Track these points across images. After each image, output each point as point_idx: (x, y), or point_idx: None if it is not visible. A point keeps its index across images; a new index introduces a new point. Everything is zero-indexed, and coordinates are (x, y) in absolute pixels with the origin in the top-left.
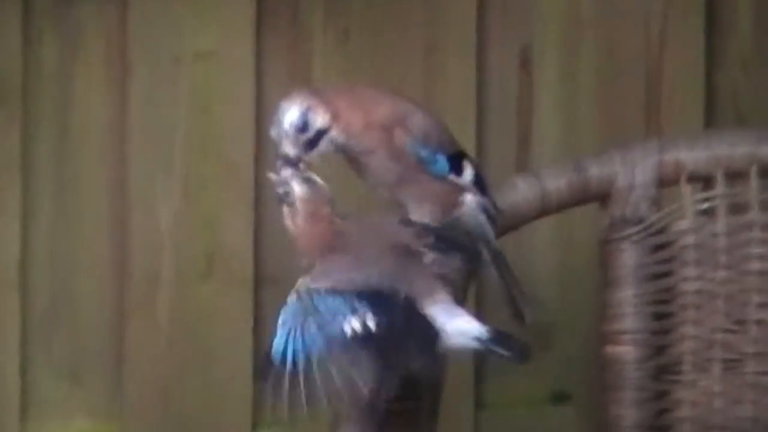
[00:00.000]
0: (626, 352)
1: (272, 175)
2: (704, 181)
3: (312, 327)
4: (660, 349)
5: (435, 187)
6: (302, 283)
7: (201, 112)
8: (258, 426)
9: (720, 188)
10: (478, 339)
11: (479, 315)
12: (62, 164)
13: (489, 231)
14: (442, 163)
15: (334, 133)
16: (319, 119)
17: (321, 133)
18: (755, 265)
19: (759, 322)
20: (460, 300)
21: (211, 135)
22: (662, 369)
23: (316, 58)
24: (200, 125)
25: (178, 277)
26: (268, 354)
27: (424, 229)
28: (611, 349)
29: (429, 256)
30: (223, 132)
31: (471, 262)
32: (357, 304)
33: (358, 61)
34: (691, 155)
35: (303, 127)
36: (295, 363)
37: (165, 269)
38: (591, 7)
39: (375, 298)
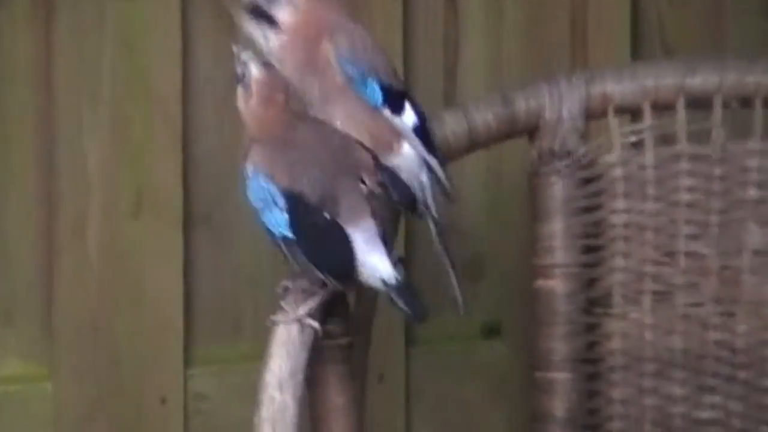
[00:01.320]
0: (556, 285)
1: (234, 47)
2: (632, 113)
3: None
4: (590, 282)
5: (365, 115)
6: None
7: (127, 47)
8: (189, 363)
9: (647, 120)
10: (384, 282)
11: (401, 259)
12: None
13: (431, 196)
14: (373, 89)
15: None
16: (286, 13)
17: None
18: (684, 197)
19: (688, 254)
20: (387, 235)
21: (137, 70)
22: (592, 302)
23: None
24: (126, 60)
25: (107, 214)
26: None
27: (376, 161)
28: (541, 283)
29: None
30: (150, 67)
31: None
32: (279, 201)
33: None
34: (618, 87)
35: None
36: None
37: (93, 206)
38: None
39: (299, 202)
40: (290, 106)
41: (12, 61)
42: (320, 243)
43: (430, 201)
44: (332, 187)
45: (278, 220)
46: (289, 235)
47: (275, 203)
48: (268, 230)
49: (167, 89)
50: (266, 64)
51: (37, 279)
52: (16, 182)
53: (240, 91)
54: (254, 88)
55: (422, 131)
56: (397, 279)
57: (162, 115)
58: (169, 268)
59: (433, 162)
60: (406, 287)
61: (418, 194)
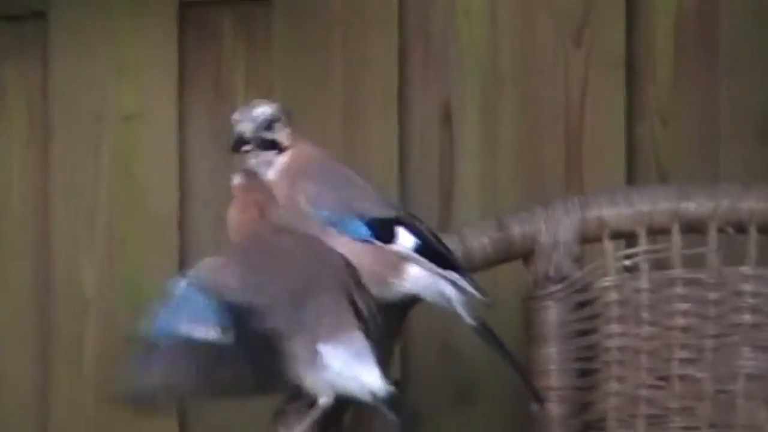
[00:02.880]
0: (551, 408)
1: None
2: (627, 237)
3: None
4: (585, 406)
5: (357, 250)
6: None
7: (124, 172)
8: None
9: (642, 245)
10: (374, 394)
11: (396, 382)
12: None
13: (460, 306)
14: (355, 225)
15: (281, 159)
16: (281, 119)
17: (275, 146)
18: (678, 321)
19: (683, 378)
20: (377, 350)
21: (134, 195)
22: (587, 425)
23: None
24: (123, 185)
25: (104, 339)
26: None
27: (357, 284)
28: (536, 407)
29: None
30: (147, 192)
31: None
32: (211, 314)
33: None
34: (613, 212)
35: (267, 116)
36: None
37: (90, 330)
38: (511, 63)
39: (237, 313)
40: (267, 215)
41: (9, 183)
42: (253, 352)
43: (460, 311)
44: (309, 298)
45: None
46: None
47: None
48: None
49: (164, 212)
50: (249, 173)
51: (32, 401)
52: (11, 303)
53: (233, 203)
54: (235, 194)
55: (427, 248)
56: (387, 391)
57: (159, 238)
58: None
59: (451, 274)
60: (395, 399)
61: (448, 308)
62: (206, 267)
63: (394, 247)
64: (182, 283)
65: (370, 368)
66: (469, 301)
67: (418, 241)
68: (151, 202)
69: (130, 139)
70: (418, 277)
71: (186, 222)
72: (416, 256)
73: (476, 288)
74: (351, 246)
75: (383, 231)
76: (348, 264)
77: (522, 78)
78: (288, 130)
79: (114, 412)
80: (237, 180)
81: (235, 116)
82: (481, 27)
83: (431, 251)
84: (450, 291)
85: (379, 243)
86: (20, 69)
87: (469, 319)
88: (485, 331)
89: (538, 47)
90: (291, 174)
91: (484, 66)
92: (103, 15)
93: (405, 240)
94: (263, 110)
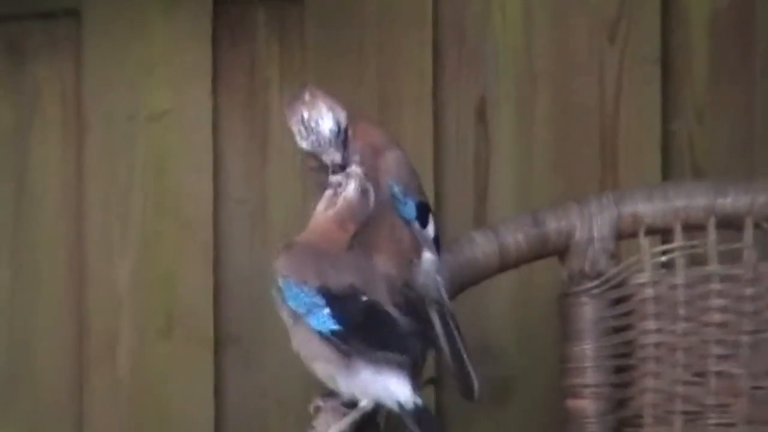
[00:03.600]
0: (587, 405)
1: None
2: (662, 233)
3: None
4: (621, 403)
5: (400, 234)
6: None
7: (158, 170)
8: None
9: (678, 240)
10: (400, 405)
11: (432, 379)
12: (20, 224)
13: (444, 294)
14: (411, 207)
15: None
16: (342, 116)
17: (347, 131)
18: (715, 317)
19: (719, 374)
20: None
21: (168, 193)
22: (623, 422)
23: (273, 114)
24: (157, 183)
25: (137, 336)
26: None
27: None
28: (572, 403)
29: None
30: (181, 190)
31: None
32: (317, 299)
33: None
34: (649, 208)
35: (338, 130)
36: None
37: (124, 328)
38: (545, 59)
39: (334, 295)
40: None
41: (44, 181)
42: (365, 323)
43: (444, 296)
44: (366, 286)
45: (323, 318)
46: (336, 327)
47: (315, 303)
48: (319, 332)
49: (198, 210)
50: (364, 190)
51: (67, 399)
52: (46, 302)
53: (327, 195)
54: (340, 203)
55: (437, 240)
56: (414, 403)
57: (192, 236)
58: (199, 390)
59: (442, 266)
60: (422, 412)
61: (433, 292)
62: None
63: (424, 232)
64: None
65: (400, 377)
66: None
67: (435, 231)
68: (184, 200)
69: (163, 137)
70: (428, 261)
71: (219, 220)
72: (432, 243)
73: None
74: (397, 226)
75: (423, 216)
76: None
77: (557, 75)
78: (340, 105)
79: (147, 410)
80: (350, 192)
81: (308, 145)
82: (516, 24)
83: (438, 242)
84: (440, 278)
85: (417, 226)
86: (53, 67)
87: (444, 302)
88: (454, 320)
89: (573, 44)
90: (372, 149)
91: (519, 63)
92: (136, 12)
93: (431, 227)
94: (327, 124)
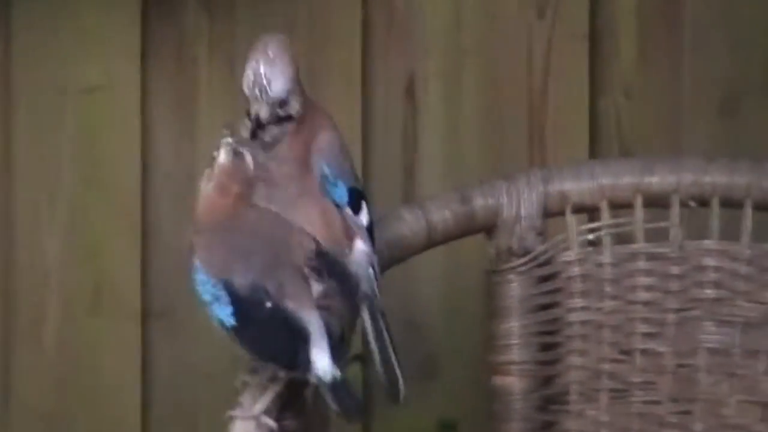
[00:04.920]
0: (513, 382)
1: (225, 130)
2: (589, 211)
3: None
4: (547, 380)
5: (331, 218)
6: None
7: (87, 144)
8: None
9: (605, 219)
10: (318, 377)
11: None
12: None
13: (375, 288)
14: (342, 190)
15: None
16: (296, 108)
17: (288, 120)
18: (641, 295)
19: (645, 352)
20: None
21: (97, 166)
22: (549, 399)
23: (202, 89)
24: (86, 156)
25: (65, 310)
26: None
27: (319, 254)
28: (498, 380)
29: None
30: (110, 163)
31: (351, 310)
32: (221, 292)
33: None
34: (576, 186)
35: (282, 104)
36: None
37: (51, 302)
38: (473, 35)
39: (238, 291)
40: (243, 198)
41: None
42: (263, 331)
43: (376, 291)
44: (274, 275)
45: (226, 312)
46: (233, 323)
47: (219, 296)
48: (220, 322)
49: (126, 184)
50: (236, 153)
51: None
52: None
53: (206, 172)
54: (215, 173)
55: (370, 230)
56: (333, 376)
57: (121, 211)
58: (126, 363)
59: (375, 258)
60: (340, 386)
61: (365, 285)
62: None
63: (356, 219)
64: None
65: (319, 349)
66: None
67: (369, 220)
68: (113, 173)
69: (92, 111)
70: (359, 251)
71: (148, 193)
72: (365, 232)
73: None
74: (329, 209)
75: (356, 201)
76: (308, 240)
77: (485, 50)
78: (301, 99)
79: (75, 384)
80: (222, 158)
81: (251, 89)
82: (445, 0)
83: (371, 232)
84: (372, 271)
85: (349, 212)
86: None
87: (373, 295)
88: (383, 317)
89: (501, 20)
90: (309, 129)
91: (448, 38)
92: None
93: (363, 215)
94: (279, 89)
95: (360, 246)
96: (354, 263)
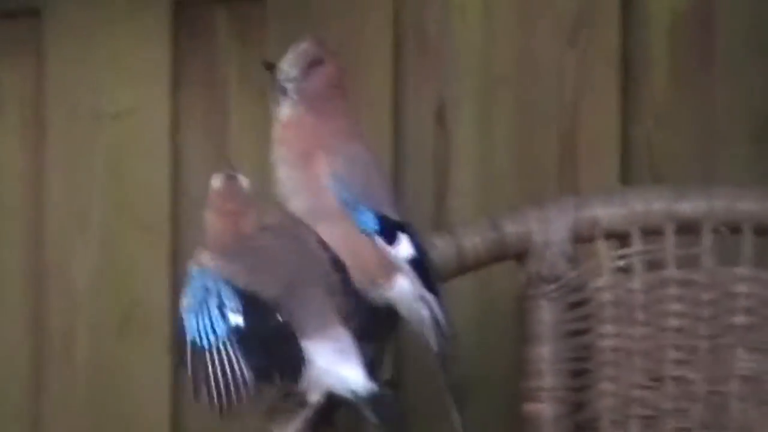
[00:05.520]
0: (544, 409)
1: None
2: (620, 237)
3: (213, 307)
4: (578, 406)
5: (356, 240)
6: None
7: (117, 169)
8: None
9: (636, 245)
10: (354, 393)
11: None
12: None
13: (432, 332)
14: (367, 216)
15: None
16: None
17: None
18: (672, 322)
19: (676, 379)
20: (364, 342)
21: (127, 193)
22: (580, 426)
23: (233, 116)
24: (117, 183)
25: (95, 335)
26: (183, 339)
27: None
28: (529, 407)
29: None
30: (140, 190)
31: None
32: (229, 299)
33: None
34: (607, 212)
35: (306, 67)
36: (208, 342)
37: (82, 326)
38: (506, 62)
39: (250, 302)
40: (242, 216)
41: (4, 180)
42: (269, 343)
43: (430, 337)
44: (295, 300)
45: (214, 322)
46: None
47: (222, 304)
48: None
49: (157, 211)
50: (230, 176)
51: (24, 399)
52: (4, 301)
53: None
54: (211, 198)
55: (421, 265)
56: (369, 390)
57: (151, 235)
58: (156, 387)
59: (431, 298)
60: (379, 398)
61: (418, 328)
62: (208, 260)
63: (393, 250)
64: (195, 272)
65: (352, 365)
66: (438, 328)
67: (416, 255)
68: (143, 199)
69: (124, 136)
70: (404, 291)
71: (178, 218)
72: (409, 268)
73: (446, 320)
74: (354, 235)
75: (388, 231)
76: (334, 260)
77: (517, 77)
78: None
79: (105, 408)
80: (216, 183)
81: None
82: (477, 25)
83: (422, 269)
84: (425, 314)
85: (380, 241)
86: (15, 67)
87: (434, 345)
88: (444, 362)
89: (533, 47)
90: (311, 142)
91: (480, 65)
92: (97, 11)
93: (404, 248)
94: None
95: (404, 284)
96: (398, 301)
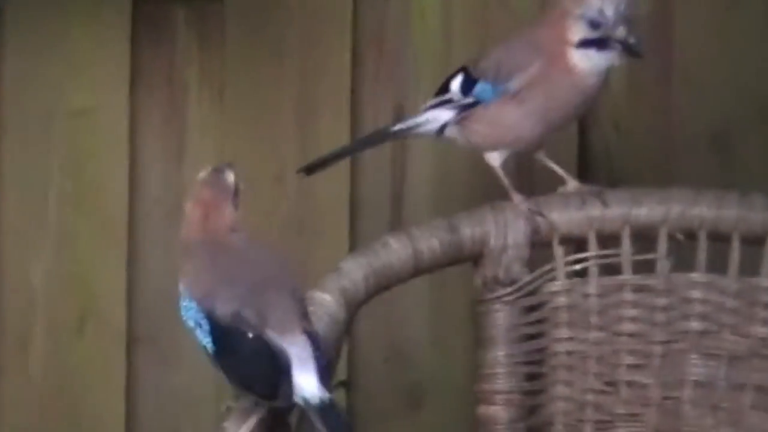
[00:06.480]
0: (498, 412)
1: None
2: (577, 242)
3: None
4: (532, 410)
5: None
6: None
7: (75, 169)
8: None
9: (592, 249)
10: (306, 400)
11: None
12: None
13: None
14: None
15: None
16: None
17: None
18: (627, 327)
19: (630, 384)
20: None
21: (84, 192)
22: (534, 429)
23: (191, 116)
24: (74, 182)
25: (51, 334)
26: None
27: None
28: (483, 409)
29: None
30: (97, 189)
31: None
32: (203, 320)
33: (232, 118)
34: (564, 216)
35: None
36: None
37: (37, 326)
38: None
39: (218, 319)
40: (219, 212)
41: None
42: (244, 360)
43: None
44: (260, 301)
45: (207, 339)
46: (214, 350)
47: (201, 324)
48: (204, 347)
49: (114, 209)
50: (218, 169)
51: None
52: None
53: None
54: (196, 189)
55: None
56: (320, 399)
57: (108, 235)
58: (111, 388)
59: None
60: (327, 408)
61: None
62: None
63: None
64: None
65: (307, 372)
66: None
67: None
68: (100, 199)
69: (81, 135)
70: None
71: (135, 219)
72: None
73: None
74: None
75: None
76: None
77: None
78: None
79: (60, 408)
80: (201, 174)
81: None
82: (435, 30)
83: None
84: None
85: None
86: None
87: None
88: None
89: None
90: None
91: (438, 67)
92: (56, 11)
93: None
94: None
95: None
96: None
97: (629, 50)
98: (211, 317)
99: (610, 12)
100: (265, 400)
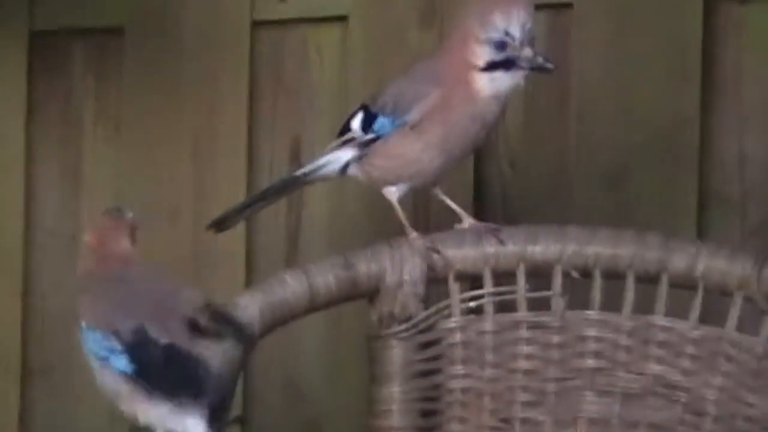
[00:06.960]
0: None
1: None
2: (472, 278)
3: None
4: None
5: None
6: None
7: None
8: None
9: (488, 286)
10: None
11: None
12: None
13: None
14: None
15: None
16: None
17: None
18: (522, 364)
19: (525, 421)
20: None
21: None
22: None
23: (87, 152)
24: None
25: None
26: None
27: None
28: None
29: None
30: None
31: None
32: (113, 344)
33: (129, 153)
34: (459, 253)
35: None
36: None
37: None
38: (361, 101)
39: (129, 338)
40: (116, 242)
41: None
42: (164, 368)
43: None
44: (158, 322)
45: (123, 361)
46: (133, 369)
47: (112, 348)
48: (123, 373)
49: (9, 241)
50: (117, 209)
51: None
52: None
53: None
54: (94, 223)
55: None
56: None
57: (2, 267)
58: (4, 420)
59: None
60: None
61: None
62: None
63: None
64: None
65: (196, 415)
66: None
67: None
68: None
69: None
70: None
71: (30, 251)
72: None
73: None
74: None
75: None
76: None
77: None
78: None
79: None
80: (100, 214)
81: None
82: (333, 64)
83: None
84: None
85: None
86: None
87: None
88: None
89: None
90: None
91: (336, 102)
92: None
93: None
94: None
95: None
96: None
97: (539, 68)
98: (119, 337)
99: (516, 32)
100: (195, 401)
